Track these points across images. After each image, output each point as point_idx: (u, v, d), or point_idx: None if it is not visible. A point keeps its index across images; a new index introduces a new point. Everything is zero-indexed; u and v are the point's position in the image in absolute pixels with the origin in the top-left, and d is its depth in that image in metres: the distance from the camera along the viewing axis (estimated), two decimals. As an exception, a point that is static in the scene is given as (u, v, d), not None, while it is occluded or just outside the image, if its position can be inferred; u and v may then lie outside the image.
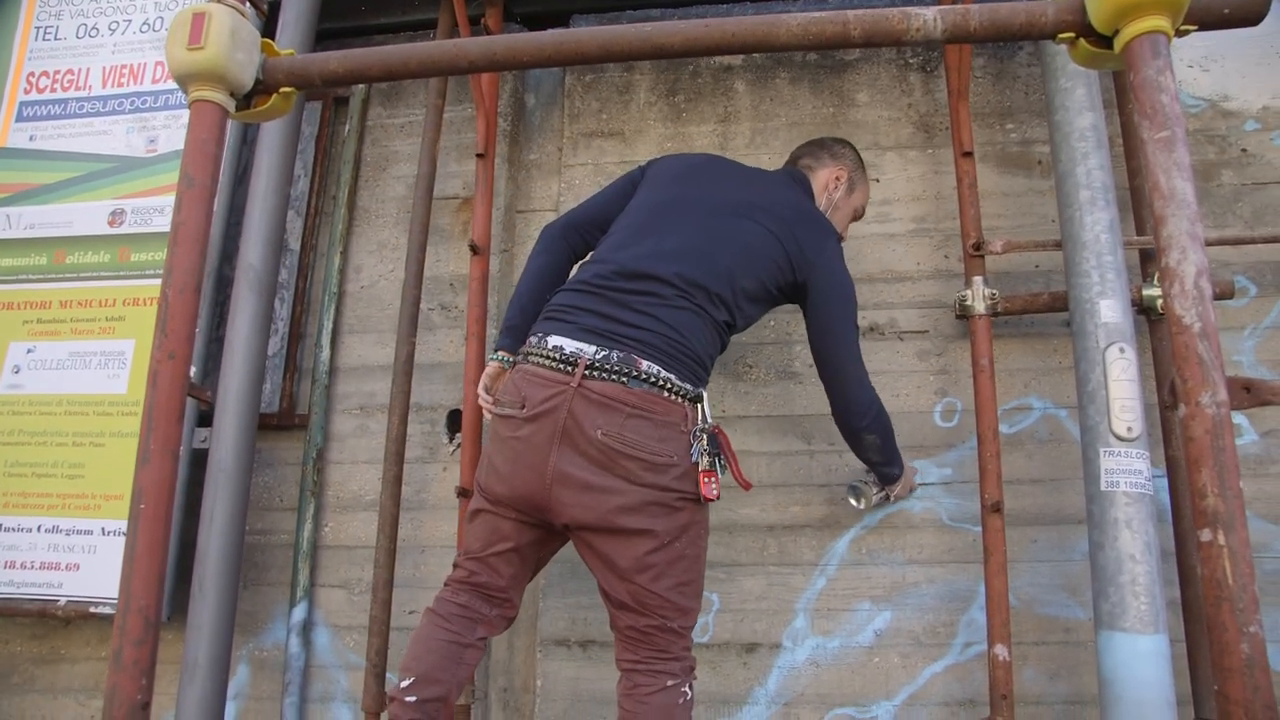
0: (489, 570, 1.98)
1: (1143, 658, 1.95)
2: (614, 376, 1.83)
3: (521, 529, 1.95)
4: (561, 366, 1.86)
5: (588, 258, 2.14)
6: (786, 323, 2.78)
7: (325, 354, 2.91)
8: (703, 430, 1.88)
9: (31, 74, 3.03)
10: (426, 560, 2.78)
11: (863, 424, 2.15)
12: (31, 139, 2.94)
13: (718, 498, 1.87)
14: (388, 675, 2.57)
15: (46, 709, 2.81)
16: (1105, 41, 1.33)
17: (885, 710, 2.51)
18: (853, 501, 2.49)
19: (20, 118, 2.98)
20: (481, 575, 1.99)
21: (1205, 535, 1.07)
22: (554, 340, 1.90)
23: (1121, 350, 2.14)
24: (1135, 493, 2.06)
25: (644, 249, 1.98)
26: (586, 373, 1.83)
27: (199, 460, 2.65)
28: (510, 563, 1.98)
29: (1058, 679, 2.47)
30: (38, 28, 3.08)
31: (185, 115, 2.86)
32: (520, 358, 1.97)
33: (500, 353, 2.15)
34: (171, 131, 2.88)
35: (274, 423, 2.86)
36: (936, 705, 2.49)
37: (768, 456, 2.70)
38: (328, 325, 2.93)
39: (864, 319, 2.74)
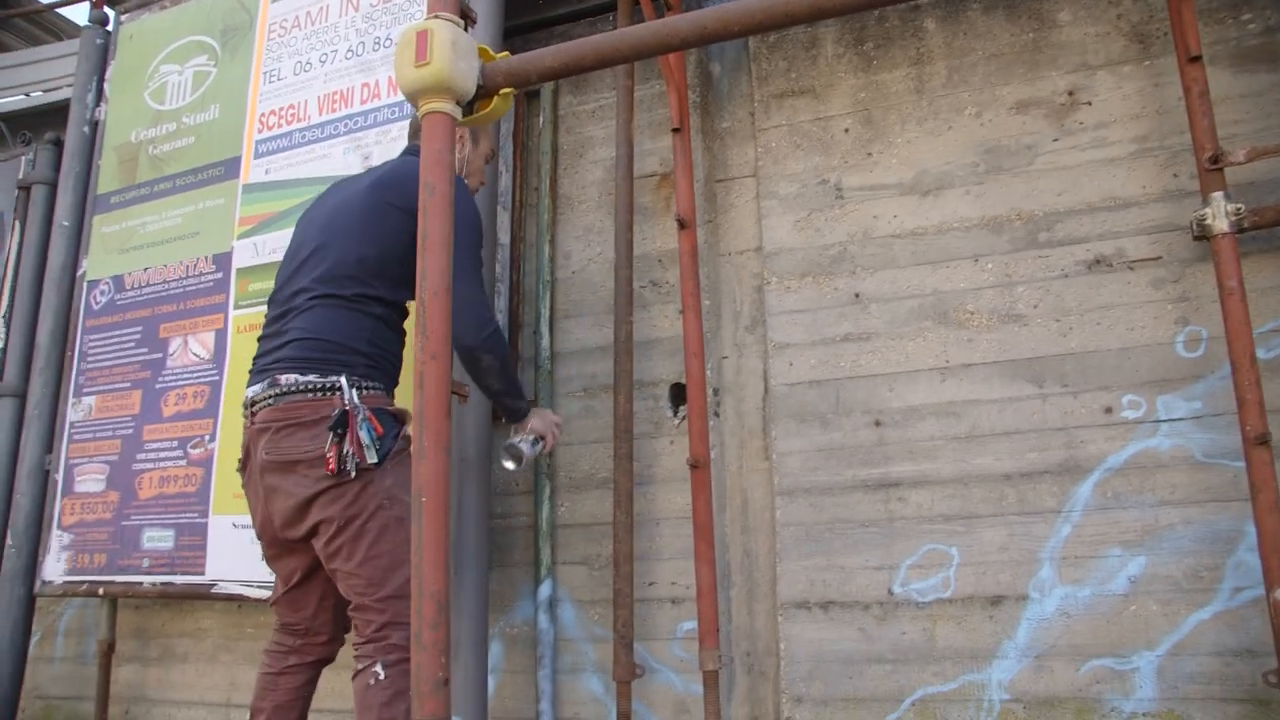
0: (285, 610, 2.25)
1: None
2: (267, 402, 2.09)
3: (289, 567, 2.21)
4: (245, 413, 2.17)
5: None
6: (1005, 264, 2.66)
7: (545, 340, 3.04)
8: (337, 412, 2.02)
9: (263, 114, 3.32)
10: (661, 533, 2.87)
11: (477, 340, 2.13)
12: (267, 172, 3.22)
13: (332, 471, 1.99)
14: (635, 645, 2.68)
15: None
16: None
17: (1148, 661, 2.38)
18: (509, 465, 2.34)
19: (257, 154, 3.28)
20: (280, 615, 2.27)
21: None
22: (246, 393, 2.19)
23: (1407, 254, 1.93)
24: None
25: (285, 277, 2.25)
26: (255, 409, 2.12)
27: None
28: (295, 600, 2.24)
29: (1354, 621, 2.26)
30: (265, 72, 3.37)
31: (392, 129, 3.05)
32: None
33: None
34: (382, 146, 3.07)
35: (505, 411, 3.02)
36: (1206, 655, 2.34)
37: (998, 404, 2.61)
38: (545, 313, 3.07)
39: (1088, 252, 2.60)
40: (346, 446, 2.00)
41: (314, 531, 2.06)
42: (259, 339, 2.27)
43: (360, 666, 2.02)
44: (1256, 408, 2.24)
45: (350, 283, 2.13)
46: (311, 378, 2.06)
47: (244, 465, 2.19)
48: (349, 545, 2.02)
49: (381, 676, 1.98)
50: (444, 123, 1.61)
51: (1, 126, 4.40)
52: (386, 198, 2.18)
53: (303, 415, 2.05)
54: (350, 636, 2.18)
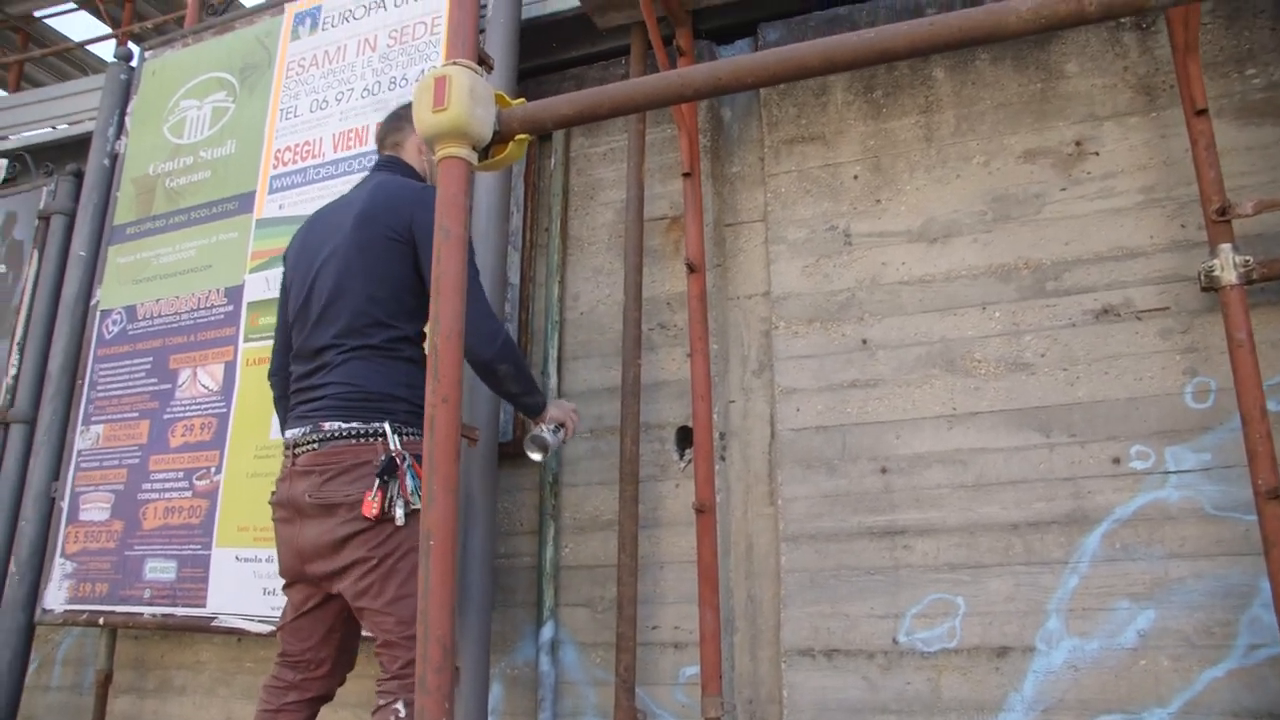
0: (289, 638, 2.25)
1: None
2: (310, 446, 2.13)
3: (303, 595, 2.22)
4: (288, 452, 2.21)
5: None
6: (1013, 312, 2.66)
7: (552, 381, 3.04)
8: (383, 458, 2.07)
9: (278, 150, 3.37)
10: (665, 576, 2.85)
11: (491, 352, 2.18)
12: (281, 208, 3.26)
13: (376, 516, 2.03)
14: (636, 689, 2.65)
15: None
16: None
17: (1159, 719, 2.35)
18: (536, 455, 2.43)
19: (271, 190, 3.32)
20: (284, 644, 2.26)
21: None
22: (285, 434, 2.25)
23: None
24: None
25: (305, 331, 2.25)
26: (297, 451, 2.16)
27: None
28: (302, 628, 2.23)
29: (1373, 684, 2.23)
30: (282, 109, 3.43)
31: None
32: None
33: None
34: (396, 186, 3.11)
35: (510, 450, 2.99)
36: (1221, 715, 2.29)
37: (1005, 453, 2.59)
38: (552, 353, 3.07)
39: (1096, 301, 2.60)
40: (393, 491, 2.06)
41: (341, 572, 2.09)
42: (292, 391, 2.30)
43: (382, 702, 2.03)
44: (1268, 460, 2.22)
45: (375, 330, 2.17)
46: (355, 424, 2.11)
47: (277, 500, 2.22)
48: (379, 583, 2.06)
49: (402, 714, 2.00)
50: (460, 168, 1.63)
51: (26, 158, 4.47)
52: (379, 231, 2.20)
53: (344, 460, 2.10)
54: (355, 673, 2.18)
